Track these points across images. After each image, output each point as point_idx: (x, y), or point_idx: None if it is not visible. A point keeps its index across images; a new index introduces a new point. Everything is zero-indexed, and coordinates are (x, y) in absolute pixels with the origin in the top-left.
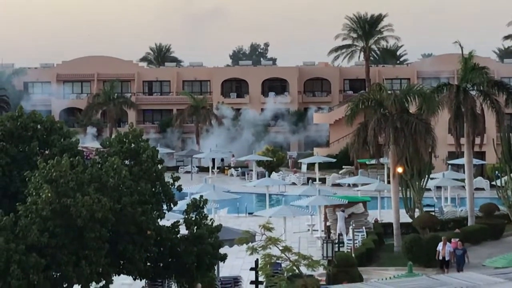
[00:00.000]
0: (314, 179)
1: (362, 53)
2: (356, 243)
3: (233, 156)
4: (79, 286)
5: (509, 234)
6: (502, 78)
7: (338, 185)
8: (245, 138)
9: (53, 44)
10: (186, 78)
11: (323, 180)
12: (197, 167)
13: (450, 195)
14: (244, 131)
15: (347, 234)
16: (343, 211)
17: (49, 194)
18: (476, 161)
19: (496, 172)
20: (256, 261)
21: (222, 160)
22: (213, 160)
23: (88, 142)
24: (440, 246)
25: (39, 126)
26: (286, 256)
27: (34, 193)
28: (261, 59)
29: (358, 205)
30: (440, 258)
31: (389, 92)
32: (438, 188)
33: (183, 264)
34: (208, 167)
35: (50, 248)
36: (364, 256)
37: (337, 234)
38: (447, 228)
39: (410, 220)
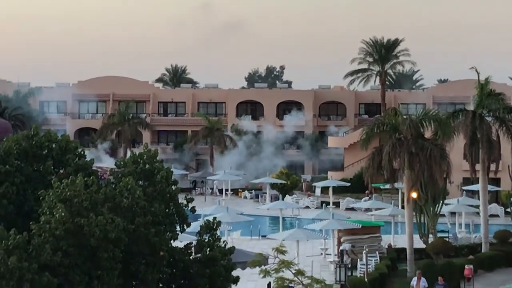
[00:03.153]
0: (328, 203)
1: (378, 77)
2: (369, 267)
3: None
4: None
5: None
6: None
7: (352, 209)
8: (259, 161)
9: (69, 64)
10: (202, 100)
11: (337, 204)
12: (211, 188)
13: (464, 221)
14: (259, 153)
15: (360, 259)
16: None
17: (63, 214)
18: (491, 188)
19: (511, 199)
20: (269, 284)
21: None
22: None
23: (101, 156)
24: (414, 281)
25: (54, 145)
26: (299, 280)
27: (48, 212)
28: (277, 81)
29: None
30: None
31: (405, 116)
32: (453, 214)
33: (196, 286)
34: (221, 189)
35: (63, 267)
36: (377, 281)
37: (349, 259)
38: (461, 254)
39: (423, 246)
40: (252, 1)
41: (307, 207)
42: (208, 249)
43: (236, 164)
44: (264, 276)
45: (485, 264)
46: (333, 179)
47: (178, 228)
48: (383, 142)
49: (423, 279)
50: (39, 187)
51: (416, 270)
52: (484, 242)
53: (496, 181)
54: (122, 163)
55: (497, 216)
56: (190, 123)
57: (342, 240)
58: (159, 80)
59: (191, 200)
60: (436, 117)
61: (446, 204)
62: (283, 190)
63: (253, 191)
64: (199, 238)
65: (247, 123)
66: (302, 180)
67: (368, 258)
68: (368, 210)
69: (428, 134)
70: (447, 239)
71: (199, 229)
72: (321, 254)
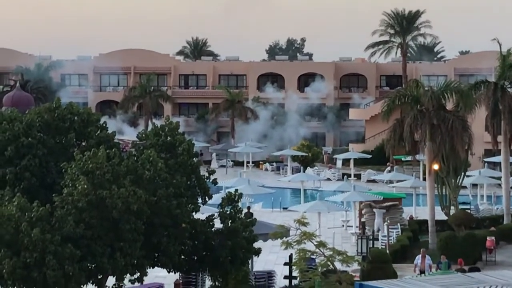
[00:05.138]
0: (349, 175)
1: (399, 49)
2: (391, 239)
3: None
4: (114, 278)
5: None
6: None
7: (373, 181)
8: (281, 133)
9: (90, 37)
10: (222, 72)
11: (358, 176)
12: (232, 161)
13: (486, 193)
14: (280, 125)
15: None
16: (381, 208)
17: (85, 186)
18: None
19: None
20: (290, 256)
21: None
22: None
23: (123, 127)
24: (418, 260)
25: (76, 118)
26: (321, 251)
27: (70, 185)
28: (298, 54)
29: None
30: (418, 272)
31: (426, 88)
32: (474, 185)
33: (217, 258)
34: (243, 161)
35: (86, 239)
36: (398, 252)
37: (374, 230)
38: (483, 226)
39: (445, 218)
40: None
41: (328, 179)
42: (230, 221)
43: (258, 136)
44: (286, 248)
45: (507, 236)
46: (354, 151)
47: (200, 200)
48: (404, 114)
49: (427, 257)
50: (61, 159)
51: (438, 242)
52: (506, 214)
53: None
54: (144, 135)
55: None
56: (211, 96)
57: (363, 212)
58: (180, 53)
59: (213, 172)
60: (457, 89)
61: (468, 176)
62: (304, 162)
63: (274, 163)
64: (221, 210)
65: (269, 92)
66: (323, 152)
67: (390, 230)
68: (389, 182)
69: (449, 105)
70: (468, 211)
71: (220, 201)
72: (343, 226)
